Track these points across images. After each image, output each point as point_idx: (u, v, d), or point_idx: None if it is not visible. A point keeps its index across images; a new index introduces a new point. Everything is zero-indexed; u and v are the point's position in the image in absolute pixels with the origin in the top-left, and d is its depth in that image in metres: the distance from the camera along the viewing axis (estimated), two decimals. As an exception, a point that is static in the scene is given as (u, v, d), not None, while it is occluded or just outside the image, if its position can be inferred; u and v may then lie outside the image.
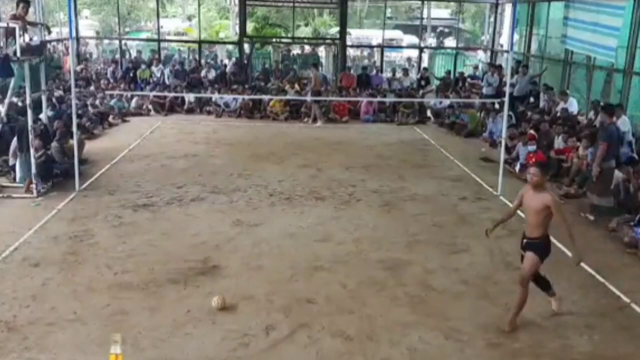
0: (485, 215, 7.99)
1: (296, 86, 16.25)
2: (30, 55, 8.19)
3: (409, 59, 20.98)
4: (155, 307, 5.23)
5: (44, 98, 9.62)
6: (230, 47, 21.19)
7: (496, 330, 4.99)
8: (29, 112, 8.17)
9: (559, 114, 12.03)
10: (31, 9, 9.69)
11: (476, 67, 19.15)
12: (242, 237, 6.97)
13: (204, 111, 15.39)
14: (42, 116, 9.64)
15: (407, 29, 26.86)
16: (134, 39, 23.59)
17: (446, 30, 28.17)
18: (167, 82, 16.48)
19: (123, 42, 19.84)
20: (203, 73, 17.12)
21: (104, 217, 7.48)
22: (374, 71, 18.43)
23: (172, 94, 15.16)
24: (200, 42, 19.66)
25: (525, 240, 4.99)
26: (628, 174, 8.16)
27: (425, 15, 21.87)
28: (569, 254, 6.58)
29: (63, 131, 9.61)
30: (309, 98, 14.48)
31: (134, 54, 19.32)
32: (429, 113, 15.65)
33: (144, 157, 10.72)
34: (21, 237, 6.71)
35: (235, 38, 20.14)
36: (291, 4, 19.06)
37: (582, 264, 6.31)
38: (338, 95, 15.79)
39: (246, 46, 18.26)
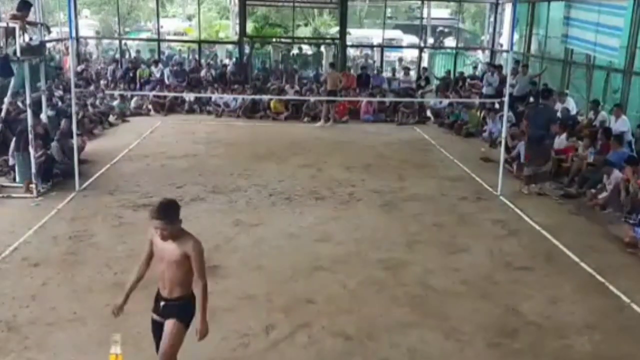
0: (485, 215, 7.99)
1: (296, 86, 16.25)
2: (30, 55, 8.19)
3: (400, 59, 20.98)
4: (155, 307, 5.21)
5: (43, 98, 9.62)
6: (230, 47, 21.19)
7: (496, 330, 4.99)
8: (29, 112, 8.17)
9: (559, 114, 12.02)
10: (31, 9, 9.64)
11: (475, 67, 19.16)
12: (242, 237, 6.97)
13: (204, 111, 15.39)
14: (43, 116, 9.64)
15: (407, 29, 26.84)
16: (134, 39, 23.58)
17: (446, 30, 28.15)
18: (167, 82, 16.49)
19: (123, 42, 19.85)
20: (203, 73, 17.12)
21: (104, 217, 7.48)
22: (375, 71, 18.42)
23: (172, 94, 15.16)
24: (200, 42, 19.66)
25: (162, 303, 3.77)
26: (628, 173, 8.17)
27: (425, 15, 21.85)
28: (569, 253, 6.67)
29: (64, 131, 9.62)
30: (324, 98, 14.47)
31: (133, 54, 19.32)
32: (428, 113, 15.65)
33: (144, 157, 10.71)
34: (21, 237, 6.70)
35: (235, 38, 20.13)
36: (291, 4, 19.05)
37: (582, 264, 6.37)
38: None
39: (246, 46, 18.26)
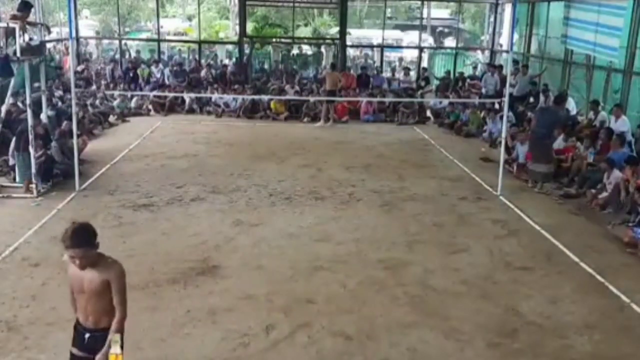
0: (485, 215, 7.99)
1: (296, 86, 16.26)
2: (30, 55, 8.19)
3: (400, 59, 21.02)
4: (155, 307, 5.23)
5: (44, 98, 9.62)
6: (230, 47, 21.21)
7: (496, 330, 4.99)
8: (29, 112, 8.18)
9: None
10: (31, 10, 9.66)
11: (475, 67, 19.17)
12: (242, 237, 6.97)
13: (204, 111, 15.38)
14: (43, 116, 9.65)
15: (407, 29, 26.87)
16: (134, 39, 23.59)
17: (446, 30, 28.17)
18: (167, 82, 16.49)
19: (123, 42, 19.85)
20: (203, 73, 17.13)
21: (104, 217, 7.48)
22: (374, 71, 18.42)
23: (172, 94, 15.17)
24: (200, 42, 19.67)
25: (87, 335, 3.34)
26: (628, 174, 8.18)
27: (425, 15, 21.85)
28: (569, 253, 6.67)
29: (63, 131, 9.62)
30: (323, 98, 14.48)
31: (133, 54, 19.34)
32: (428, 113, 15.65)
33: (144, 157, 10.71)
34: (21, 237, 6.70)
35: (235, 38, 20.15)
36: (291, 4, 19.07)
37: (582, 264, 6.37)
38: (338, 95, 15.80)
39: (246, 46, 18.28)
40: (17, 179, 8.60)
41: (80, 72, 16.53)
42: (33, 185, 8.19)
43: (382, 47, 19.58)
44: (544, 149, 9.20)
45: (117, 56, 18.96)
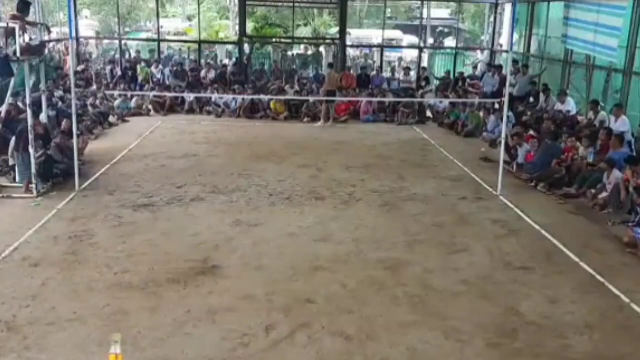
0: (485, 215, 7.99)
1: (296, 86, 16.26)
2: (30, 55, 8.19)
3: (400, 59, 21.03)
4: (155, 307, 5.23)
5: (44, 98, 9.62)
6: (230, 47, 21.21)
7: (496, 330, 4.99)
8: (29, 112, 8.18)
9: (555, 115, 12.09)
10: (31, 9, 9.67)
11: (475, 67, 19.16)
12: (242, 237, 6.97)
13: (204, 111, 15.38)
14: (43, 116, 9.65)
15: (407, 29, 26.87)
16: (134, 39, 23.59)
17: (446, 30, 28.17)
18: (167, 82, 16.49)
19: (123, 42, 19.84)
20: (203, 73, 17.12)
21: (104, 217, 7.48)
22: (375, 72, 18.42)
23: (172, 94, 15.16)
24: (200, 42, 19.67)
25: None
26: (628, 174, 8.17)
27: (425, 15, 21.87)
28: (569, 253, 6.68)
29: (63, 130, 9.62)
30: (324, 98, 14.48)
31: (133, 54, 19.34)
32: (429, 113, 15.65)
33: (144, 157, 10.71)
34: (21, 237, 6.70)
35: (235, 38, 20.16)
36: (291, 4, 19.07)
37: (582, 264, 6.37)
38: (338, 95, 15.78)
39: (246, 46, 18.27)
40: (17, 179, 8.60)
41: (81, 72, 16.53)
42: (33, 186, 8.19)
43: (382, 47, 19.57)
44: (548, 169, 9.51)
45: (117, 56, 18.97)
